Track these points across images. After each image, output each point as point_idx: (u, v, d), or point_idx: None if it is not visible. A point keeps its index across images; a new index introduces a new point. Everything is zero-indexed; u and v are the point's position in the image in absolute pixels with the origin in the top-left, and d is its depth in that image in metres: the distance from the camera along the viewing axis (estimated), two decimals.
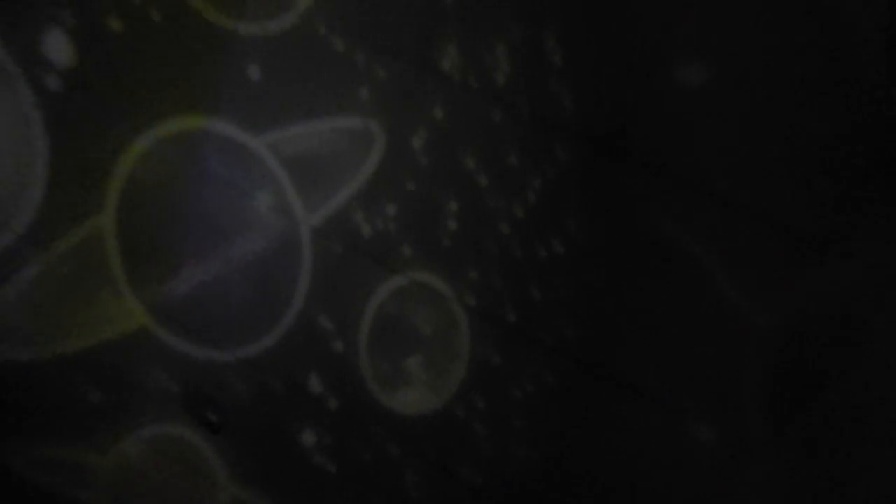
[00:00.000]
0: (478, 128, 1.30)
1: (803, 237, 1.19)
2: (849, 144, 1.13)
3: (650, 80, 1.20)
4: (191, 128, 1.42)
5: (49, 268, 1.54)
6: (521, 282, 1.41)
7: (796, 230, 1.19)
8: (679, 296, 1.33)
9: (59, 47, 1.21)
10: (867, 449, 1.22)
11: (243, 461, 1.70)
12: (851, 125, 1.13)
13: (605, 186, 1.31)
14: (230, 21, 1.31)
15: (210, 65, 1.36)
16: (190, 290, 1.56)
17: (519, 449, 1.55)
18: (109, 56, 1.26)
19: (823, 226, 1.18)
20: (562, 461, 1.53)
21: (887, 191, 1.14)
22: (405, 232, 1.40)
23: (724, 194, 1.20)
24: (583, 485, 1.51)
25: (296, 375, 1.57)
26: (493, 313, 1.44)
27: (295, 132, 1.39)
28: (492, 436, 1.55)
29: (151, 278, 1.57)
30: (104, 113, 1.44)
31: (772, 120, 1.19)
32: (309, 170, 1.41)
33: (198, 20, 1.28)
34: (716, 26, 1.16)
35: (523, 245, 1.38)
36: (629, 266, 1.35)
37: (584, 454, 1.50)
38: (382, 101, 1.32)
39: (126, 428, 1.71)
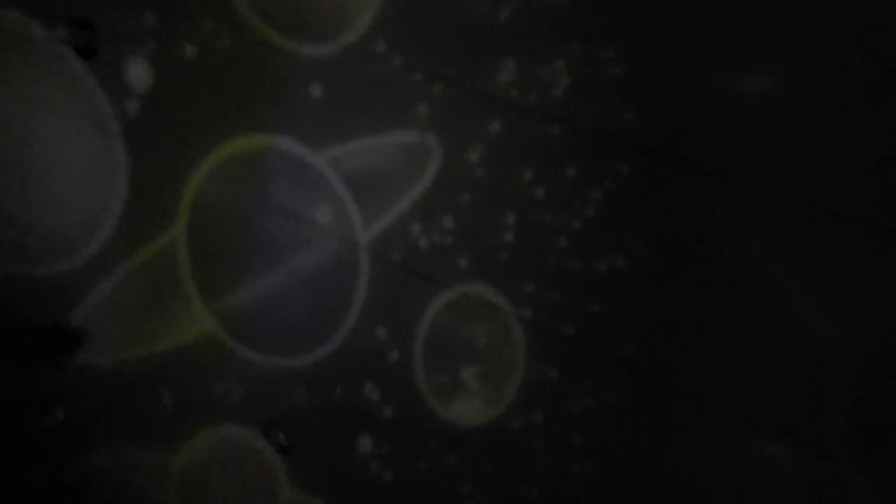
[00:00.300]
0: (535, 141, 1.29)
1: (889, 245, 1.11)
2: None
3: (715, 89, 1.16)
4: (257, 145, 1.48)
5: (126, 280, 1.63)
6: (579, 295, 1.39)
7: (882, 240, 1.11)
8: (751, 311, 1.27)
9: (140, 73, 1.29)
10: None
11: (302, 464, 1.75)
12: None
13: (669, 199, 1.27)
14: (293, 44, 1.35)
15: (275, 85, 1.42)
16: (254, 301, 1.62)
17: (577, 464, 1.52)
18: (183, 80, 1.33)
19: None
20: (622, 477, 1.49)
21: None
22: (462, 244, 1.40)
23: (799, 201, 1.13)
24: (644, 501, 1.47)
25: (353, 383, 1.60)
26: (550, 327, 1.42)
27: (354, 147, 1.42)
28: (549, 450, 1.53)
29: (219, 289, 1.64)
30: (177, 133, 1.52)
31: (843, 122, 1.12)
32: (367, 184, 1.43)
33: (263, 44, 1.33)
34: (779, 32, 1.10)
35: (582, 258, 1.36)
36: (695, 279, 1.30)
37: (646, 470, 1.46)
38: (440, 116, 1.33)
39: (195, 429, 1.79)
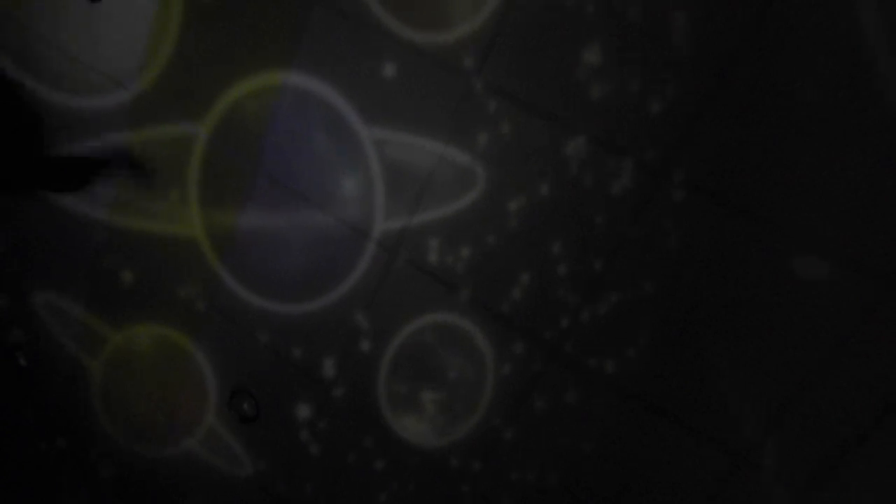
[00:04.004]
0: (577, 222, 1.22)
1: None
2: None
3: (763, 261, 1.07)
4: (313, 90, 1.44)
5: (139, 143, 1.63)
6: (561, 379, 1.34)
7: None
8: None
9: None
10: None
11: (235, 398, 1.75)
12: None
13: (670, 329, 1.20)
14: (394, 20, 1.30)
15: (352, 44, 1.37)
16: (250, 229, 1.60)
17: None
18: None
19: None
20: None
21: None
22: (471, 278, 1.35)
23: None
24: None
25: (315, 352, 1.59)
26: (522, 391, 1.38)
27: (404, 140, 1.37)
28: (474, 498, 1.51)
29: (220, 200, 1.62)
30: (239, 39, 1.48)
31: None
32: (404, 179, 1.38)
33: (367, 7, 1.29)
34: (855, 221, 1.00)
35: (575, 346, 1.30)
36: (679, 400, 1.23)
37: None
38: (497, 152, 1.27)
39: (143, 317, 1.79)
